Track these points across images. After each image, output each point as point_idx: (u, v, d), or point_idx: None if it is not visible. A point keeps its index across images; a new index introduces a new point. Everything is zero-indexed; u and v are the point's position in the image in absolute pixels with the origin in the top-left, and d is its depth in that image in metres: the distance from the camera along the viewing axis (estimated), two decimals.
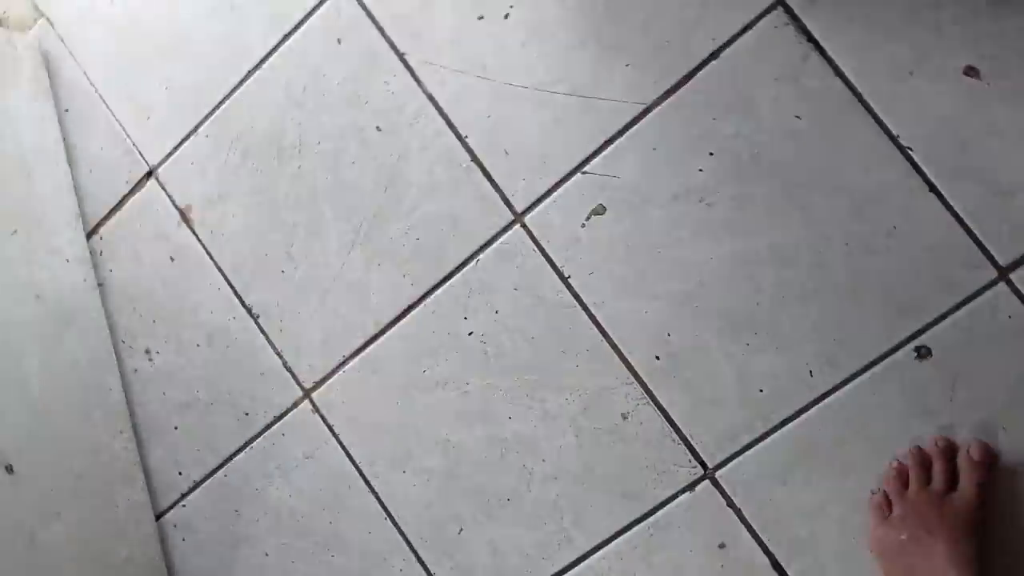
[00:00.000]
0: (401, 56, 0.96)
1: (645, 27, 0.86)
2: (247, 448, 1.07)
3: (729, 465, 0.88)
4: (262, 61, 1.01)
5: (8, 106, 1.07)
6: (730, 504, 0.88)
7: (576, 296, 0.92)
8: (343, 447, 1.03)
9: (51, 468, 1.00)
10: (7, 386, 0.98)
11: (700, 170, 0.86)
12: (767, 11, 0.82)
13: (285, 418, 1.05)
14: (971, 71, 0.77)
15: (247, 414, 1.07)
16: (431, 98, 0.95)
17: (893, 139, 0.80)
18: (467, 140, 0.94)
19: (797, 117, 0.82)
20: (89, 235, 1.12)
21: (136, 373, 1.12)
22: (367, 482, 1.02)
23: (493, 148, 0.93)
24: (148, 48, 1.07)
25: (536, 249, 0.93)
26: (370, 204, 0.99)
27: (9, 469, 0.94)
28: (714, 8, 0.84)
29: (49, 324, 1.05)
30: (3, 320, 0.99)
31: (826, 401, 0.84)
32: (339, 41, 0.98)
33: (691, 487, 0.89)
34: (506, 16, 0.91)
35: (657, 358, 0.89)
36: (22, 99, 1.09)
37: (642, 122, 0.87)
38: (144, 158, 1.08)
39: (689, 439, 0.89)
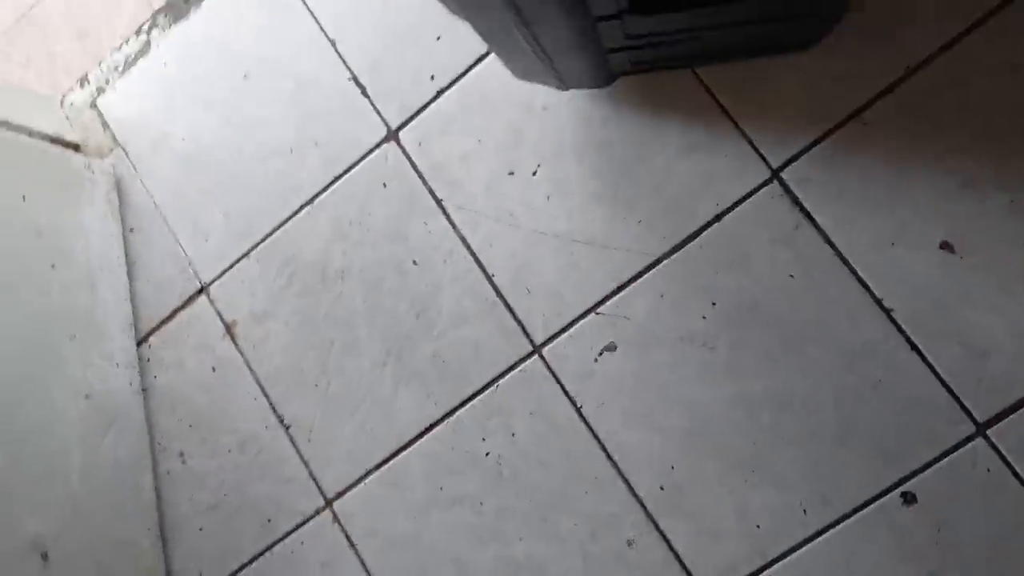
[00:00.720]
0: (439, 201, 1.08)
1: (657, 189, 0.98)
2: (267, 553, 1.12)
3: None
4: (314, 197, 1.14)
5: (81, 223, 1.20)
6: None
7: (587, 424, 0.99)
8: (359, 559, 1.08)
9: (81, 559, 1.05)
10: (51, 479, 1.04)
11: (703, 317, 0.95)
12: (765, 183, 0.93)
13: (306, 526, 1.11)
14: (946, 245, 0.87)
15: (270, 520, 1.12)
16: (463, 239, 1.06)
17: (877, 301, 0.89)
18: (494, 278, 1.04)
19: (791, 276, 0.92)
20: (140, 342, 1.22)
21: (169, 475, 1.18)
22: None
23: (517, 286, 1.03)
24: (212, 179, 1.20)
25: (552, 378, 1.01)
26: (402, 329, 1.08)
27: (44, 557, 1.00)
28: (718, 177, 0.95)
29: (94, 423, 1.13)
30: (53, 418, 1.07)
31: (819, 539, 0.89)
32: (385, 184, 1.10)
33: None
34: (534, 173, 1.03)
35: (661, 488, 0.95)
36: (94, 217, 1.22)
37: (652, 272, 0.97)
38: (198, 276, 1.19)
39: (690, 570, 0.94)
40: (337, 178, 1.13)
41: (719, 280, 0.95)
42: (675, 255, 0.97)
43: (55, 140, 1.24)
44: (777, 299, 0.92)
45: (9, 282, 1.06)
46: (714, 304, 0.95)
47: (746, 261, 0.94)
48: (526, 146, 1.04)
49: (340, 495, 1.09)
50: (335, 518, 1.09)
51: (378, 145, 1.11)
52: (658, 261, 0.97)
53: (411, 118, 1.10)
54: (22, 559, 0.97)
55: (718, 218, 0.95)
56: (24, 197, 1.13)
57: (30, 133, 1.20)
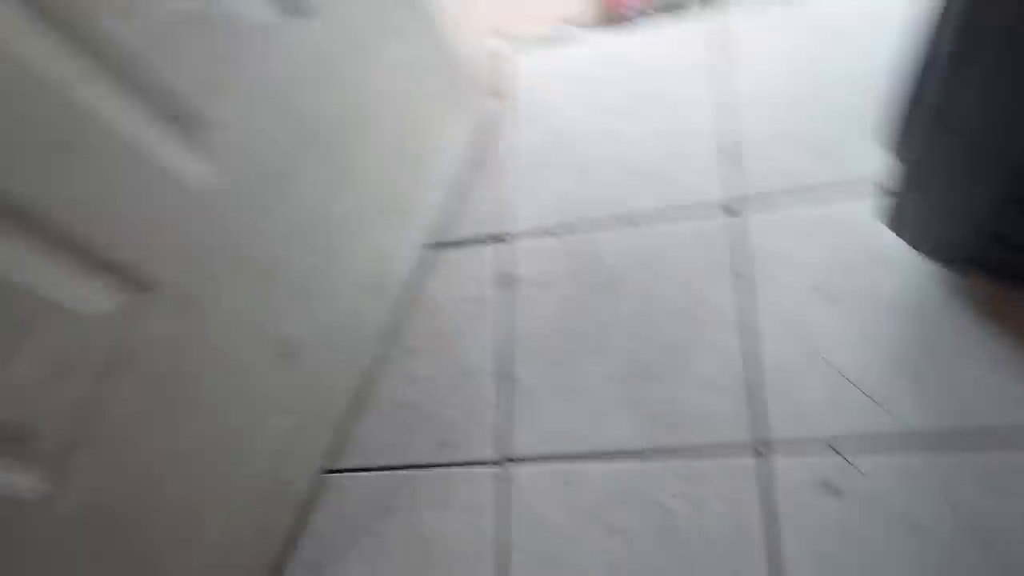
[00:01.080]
0: (742, 278, 1.16)
1: (954, 384, 1.01)
2: (425, 469, 1.22)
3: None
4: (638, 220, 1.26)
5: (445, 131, 1.38)
6: None
7: (774, 545, 1.02)
8: (498, 522, 1.15)
9: (298, 377, 1.16)
10: (315, 301, 1.17)
11: (936, 516, 0.96)
12: None
13: (473, 468, 1.20)
14: None
15: (445, 443, 1.23)
16: (748, 321, 1.13)
17: None
18: (757, 366, 1.11)
19: None
20: (430, 247, 1.38)
21: (387, 358, 1.32)
22: (498, 564, 1.12)
23: (775, 386, 1.09)
24: (564, 161, 1.36)
25: (760, 483, 1.05)
26: (650, 360, 1.17)
27: (284, 356, 1.13)
28: (1020, 407, 0.97)
29: (365, 280, 1.26)
30: (346, 258, 1.20)
31: None
32: (703, 240, 1.21)
33: None
34: (846, 307, 1.09)
35: None
36: (458, 135, 1.41)
37: (910, 449, 1.00)
38: (508, 226, 1.34)
39: None
40: (664, 216, 1.25)
41: (971, 493, 0.96)
42: (941, 448, 0.99)
43: (464, 64, 1.45)
44: (1018, 541, 0.92)
45: (371, 139, 1.21)
46: (953, 510, 0.96)
47: (1007, 491, 0.94)
48: (852, 282, 1.10)
49: (518, 461, 1.18)
50: (502, 477, 1.18)
51: (718, 208, 1.22)
52: (921, 443, 1.00)
53: (760, 202, 1.20)
54: (267, 351, 1.12)
55: (1003, 442, 0.96)
56: (417, 83, 1.31)
57: (452, 52, 1.41)
